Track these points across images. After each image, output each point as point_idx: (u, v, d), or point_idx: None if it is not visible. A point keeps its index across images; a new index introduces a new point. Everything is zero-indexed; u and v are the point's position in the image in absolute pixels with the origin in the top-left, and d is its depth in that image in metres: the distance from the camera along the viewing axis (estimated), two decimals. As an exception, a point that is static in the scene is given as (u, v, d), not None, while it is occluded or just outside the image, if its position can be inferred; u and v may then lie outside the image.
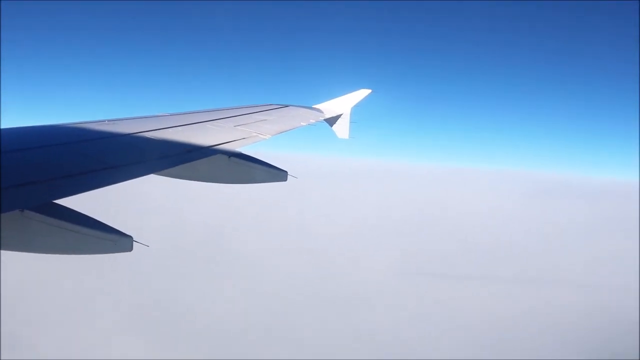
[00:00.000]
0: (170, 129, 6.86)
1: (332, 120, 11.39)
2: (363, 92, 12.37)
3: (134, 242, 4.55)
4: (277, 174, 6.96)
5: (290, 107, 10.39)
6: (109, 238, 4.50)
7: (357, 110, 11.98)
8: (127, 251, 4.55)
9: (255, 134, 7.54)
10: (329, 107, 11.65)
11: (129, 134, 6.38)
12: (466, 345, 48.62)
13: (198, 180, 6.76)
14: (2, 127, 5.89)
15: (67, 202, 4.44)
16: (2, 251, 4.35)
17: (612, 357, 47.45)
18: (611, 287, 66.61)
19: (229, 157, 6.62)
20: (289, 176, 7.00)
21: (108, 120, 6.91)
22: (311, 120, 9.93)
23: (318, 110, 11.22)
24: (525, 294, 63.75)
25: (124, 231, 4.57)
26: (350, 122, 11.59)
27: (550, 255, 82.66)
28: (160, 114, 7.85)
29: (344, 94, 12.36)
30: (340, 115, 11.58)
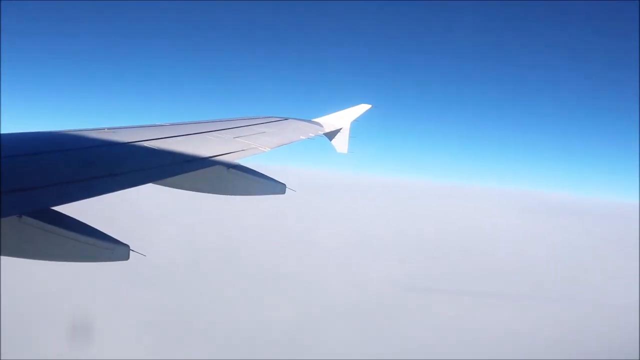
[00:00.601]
0: (169, 139, 6.87)
1: (331, 135, 11.42)
2: (363, 107, 12.41)
3: (130, 251, 4.57)
4: (275, 186, 6.99)
5: (290, 120, 10.42)
6: (106, 246, 4.52)
7: (357, 125, 12.02)
8: (123, 260, 4.57)
9: (254, 146, 7.56)
10: (329, 121, 11.68)
11: (128, 143, 6.39)
12: (466, 346, 48.54)
13: (196, 191, 6.77)
14: (2, 131, 5.91)
15: (65, 209, 4.45)
16: (0, 256, 4.36)
17: (612, 357, 47.32)
18: (612, 287, 66.52)
19: (228, 168, 6.63)
20: (287, 189, 7.02)
21: (108, 128, 6.93)
22: (310, 134, 9.96)
23: (318, 124, 11.25)
24: (525, 304, 63.64)
25: (120, 240, 4.59)
26: (350, 136, 11.62)
27: (551, 271, 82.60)
28: (160, 123, 7.88)
29: (344, 108, 12.40)
30: (340, 129, 11.60)
